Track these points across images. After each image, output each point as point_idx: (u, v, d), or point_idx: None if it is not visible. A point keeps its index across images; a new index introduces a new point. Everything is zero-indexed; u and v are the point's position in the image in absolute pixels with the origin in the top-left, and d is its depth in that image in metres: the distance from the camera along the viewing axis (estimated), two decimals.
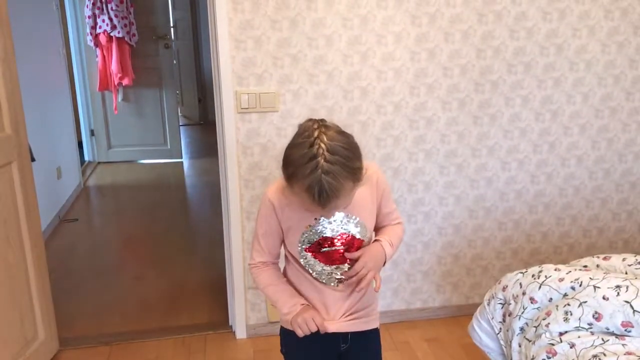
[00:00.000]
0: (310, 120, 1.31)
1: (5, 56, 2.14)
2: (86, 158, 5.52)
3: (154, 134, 5.57)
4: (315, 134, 1.25)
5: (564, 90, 2.56)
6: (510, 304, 1.81)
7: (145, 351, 2.54)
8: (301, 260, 1.46)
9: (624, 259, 1.84)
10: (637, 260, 1.80)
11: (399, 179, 2.55)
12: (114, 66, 5.03)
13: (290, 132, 1.56)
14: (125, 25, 4.99)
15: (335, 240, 1.43)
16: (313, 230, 1.42)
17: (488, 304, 1.90)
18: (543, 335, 1.62)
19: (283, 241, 1.49)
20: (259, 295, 2.57)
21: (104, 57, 5.06)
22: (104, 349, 2.56)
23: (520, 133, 2.58)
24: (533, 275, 1.79)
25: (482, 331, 1.92)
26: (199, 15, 6.96)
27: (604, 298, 1.58)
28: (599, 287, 1.61)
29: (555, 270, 1.78)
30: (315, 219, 1.41)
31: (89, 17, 4.94)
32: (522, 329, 1.73)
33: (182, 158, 5.75)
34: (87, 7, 4.93)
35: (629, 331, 1.53)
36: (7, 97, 2.15)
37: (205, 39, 6.86)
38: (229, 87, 2.31)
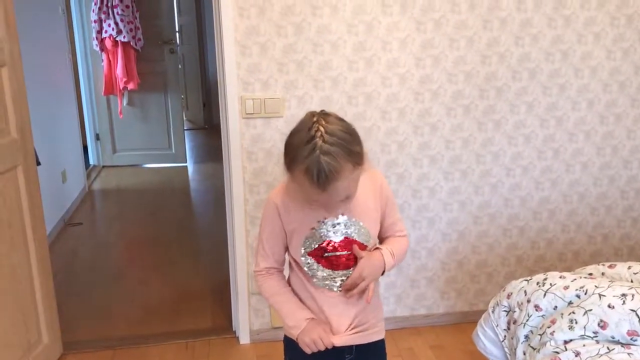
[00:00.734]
0: (310, 112, 1.31)
1: (11, 60, 2.16)
2: (91, 162, 5.54)
3: (158, 138, 5.58)
4: (314, 119, 1.26)
5: (569, 97, 2.55)
6: (515, 311, 1.80)
7: (149, 356, 2.54)
8: (304, 266, 1.45)
9: (629, 267, 1.83)
10: None
11: (404, 184, 2.54)
12: (119, 70, 5.05)
13: None
14: (131, 30, 5.01)
15: (338, 245, 1.42)
16: (316, 234, 1.41)
17: (493, 312, 1.90)
18: (548, 344, 1.61)
19: (287, 248, 1.48)
20: (263, 301, 2.57)
21: (109, 61, 5.07)
22: (108, 353, 2.56)
23: (525, 139, 2.58)
24: (538, 283, 1.79)
25: (487, 338, 1.92)
26: (205, 21, 6.99)
27: (609, 306, 1.57)
28: (604, 296, 1.61)
29: (560, 278, 1.77)
30: (319, 221, 1.40)
31: (94, 21, 4.96)
32: (526, 336, 1.73)
33: (186, 162, 5.76)
34: (93, 11, 4.95)
35: (635, 340, 1.52)
36: (13, 101, 2.16)
37: (211, 44, 6.90)
38: (234, 92, 2.32)
